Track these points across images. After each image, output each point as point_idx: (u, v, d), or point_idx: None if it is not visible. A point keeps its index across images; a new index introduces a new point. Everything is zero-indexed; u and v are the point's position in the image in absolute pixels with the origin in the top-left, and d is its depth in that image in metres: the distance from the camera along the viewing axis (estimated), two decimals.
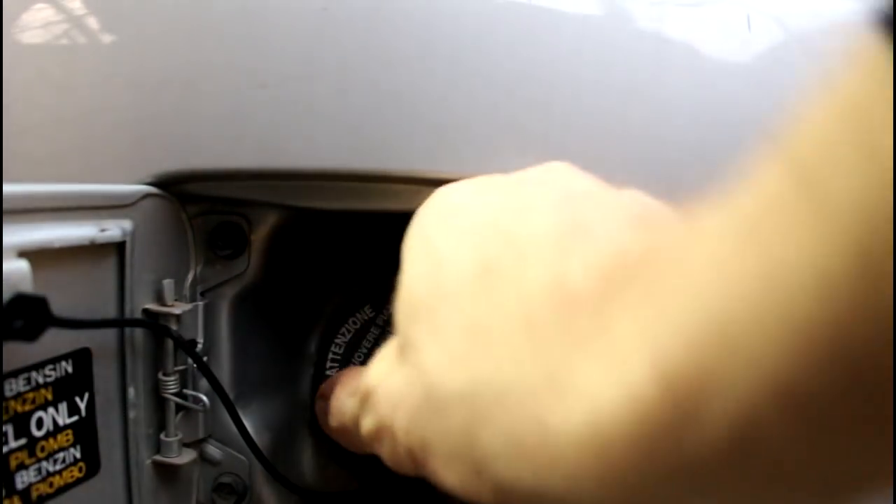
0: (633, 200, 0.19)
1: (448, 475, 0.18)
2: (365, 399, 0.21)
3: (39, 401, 0.23)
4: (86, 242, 0.24)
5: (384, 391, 0.20)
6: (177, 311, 0.28)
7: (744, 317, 0.11)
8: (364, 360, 0.38)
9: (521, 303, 0.16)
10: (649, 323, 0.13)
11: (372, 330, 0.37)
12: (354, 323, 0.37)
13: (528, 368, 0.15)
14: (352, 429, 0.24)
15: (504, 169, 0.27)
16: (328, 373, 0.37)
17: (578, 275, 0.15)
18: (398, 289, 0.20)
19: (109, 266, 0.26)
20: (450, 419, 0.17)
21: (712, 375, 0.11)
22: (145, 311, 0.27)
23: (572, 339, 0.14)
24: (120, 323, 0.26)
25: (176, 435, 0.29)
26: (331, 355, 0.38)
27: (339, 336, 0.38)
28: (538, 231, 0.17)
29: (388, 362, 0.20)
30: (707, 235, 0.12)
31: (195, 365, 0.29)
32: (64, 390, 0.24)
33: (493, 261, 0.17)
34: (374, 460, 0.23)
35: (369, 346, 0.38)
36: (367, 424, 0.21)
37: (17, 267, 0.20)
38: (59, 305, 0.22)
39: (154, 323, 0.27)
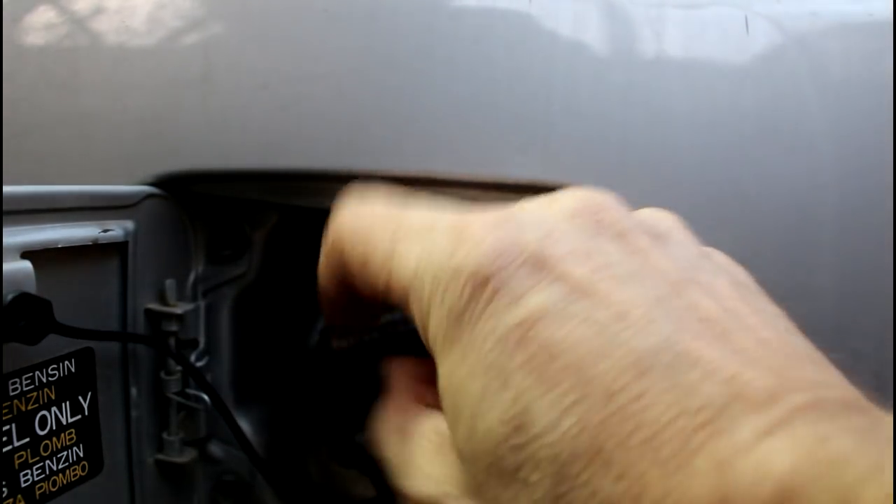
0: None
1: None
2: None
3: (43, 400, 0.23)
4: (88, 243, 0.24)
5: None
6: (178, 310, 0.28)
7: None
8: (366, 358, 0.38)
9: None
10: None
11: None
12: None
13: None
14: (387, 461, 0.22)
15: (503, 169, 0.27)
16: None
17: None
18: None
19: (112, 266, 0.26)
20: None
21: None
22: (147, 310, 0.27)
23: None
24: (121, 337, 0.26)
25: (178, 434, 0.29)
26: (333, 354, 0.38)
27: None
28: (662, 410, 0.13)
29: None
30: None
31: (191, 375, 0.29)
32: (67, 390, 0.24)
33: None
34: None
35: (370, 343, 0.38)
36: None
37: (20, 267, 0.20)
38: (62, 305, 0.22)
39: (154, 339, 0.28)
